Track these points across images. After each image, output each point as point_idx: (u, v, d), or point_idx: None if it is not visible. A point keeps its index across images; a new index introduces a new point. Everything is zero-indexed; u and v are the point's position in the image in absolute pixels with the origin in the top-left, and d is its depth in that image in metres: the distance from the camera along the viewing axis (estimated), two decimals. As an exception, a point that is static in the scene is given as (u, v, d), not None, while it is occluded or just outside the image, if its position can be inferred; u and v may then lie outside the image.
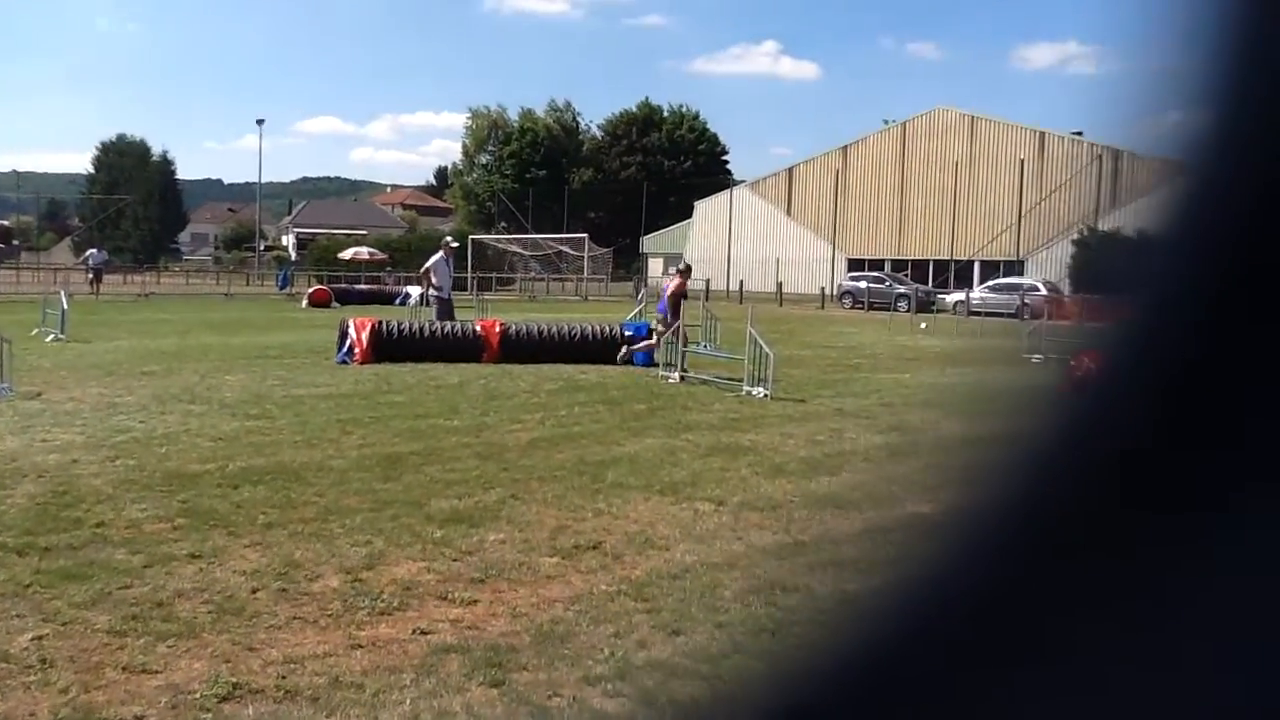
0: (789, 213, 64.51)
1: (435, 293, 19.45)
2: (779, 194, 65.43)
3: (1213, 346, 0.62)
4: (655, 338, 15.87)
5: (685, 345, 15.37)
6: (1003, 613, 0.65)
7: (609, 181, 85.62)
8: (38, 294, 24.65)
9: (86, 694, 4.08)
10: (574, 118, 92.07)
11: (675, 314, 15.40)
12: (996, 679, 0.63)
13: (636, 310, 23.99)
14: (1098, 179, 52.22)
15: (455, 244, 23.29)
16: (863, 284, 49.01)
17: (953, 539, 0.74)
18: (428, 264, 19.62)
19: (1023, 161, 54.38)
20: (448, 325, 17.41)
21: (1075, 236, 47.23)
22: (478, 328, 17.08)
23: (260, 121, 66.37)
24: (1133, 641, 0.60)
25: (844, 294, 50.01)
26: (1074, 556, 0.63)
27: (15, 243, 78.24)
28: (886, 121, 63.14)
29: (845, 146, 63.29)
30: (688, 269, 16.77)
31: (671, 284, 15.90)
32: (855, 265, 57.24)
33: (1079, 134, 55.04)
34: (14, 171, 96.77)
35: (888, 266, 55.46)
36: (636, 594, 5.45)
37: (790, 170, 65.92)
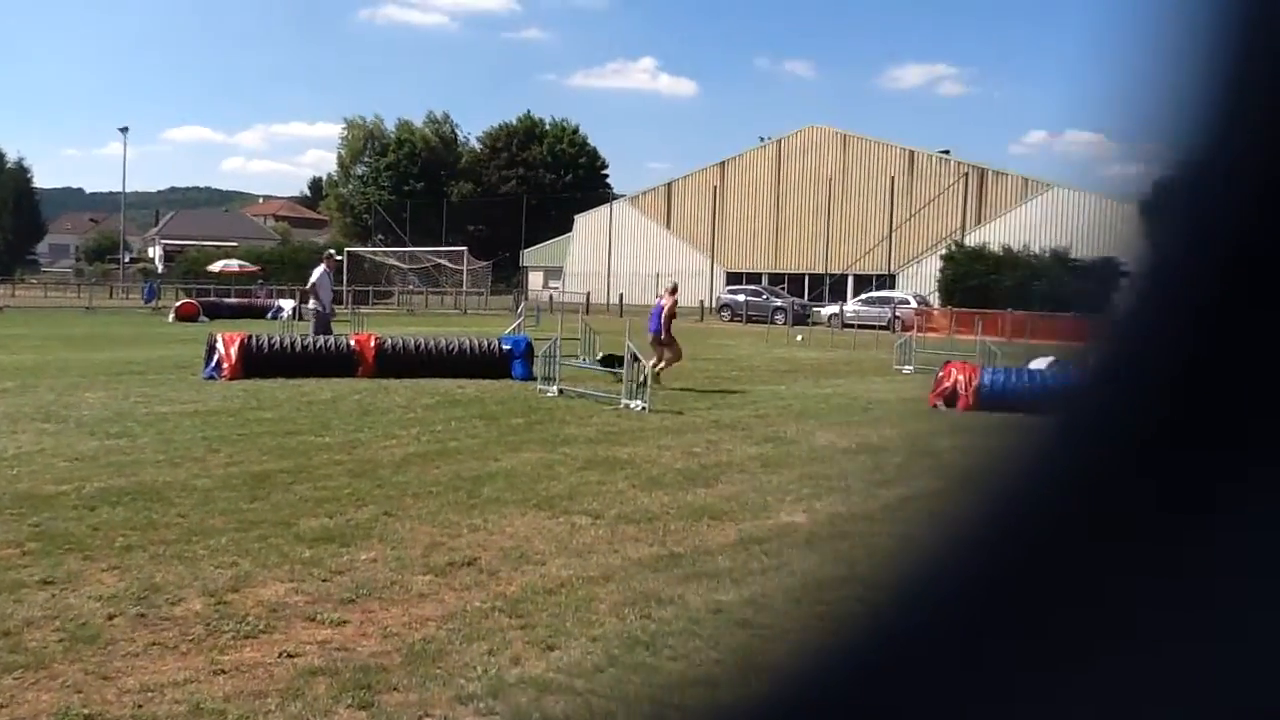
0: (668, 227, 65.07)
1: (317, 306, 19.03)
2: (658, 208, 65.95)
3: (1213, 345, 0.62)
4: (658, 359, 16.39)
5: (664, 363, 16.28)
6: (1000, 613, 0.64)
7: (489, 194, 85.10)
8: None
9: (-77, 731, 3.86)
10: (452, 130, 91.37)
11: (668, 332, 16.33)
12: (993, 679, 0.63)
13: (516, 324, 23.90)
14: (964, 196, 54.11)
15: (339, 257, 22.92)
16: (740, 297, 49.77)
17: (950, 538, 0.73)
18: (314, 278, 19.13)
19: (893, 179, 55.96)
20: (321, 339, 17.05)
21: (944, 251, 48.87)
22: (352, 342, 16.76)
23: (124, 129, 64.18)
24: (1131, 642, 0.60)
25: (722, 307, 50.71)
26: (1072, 557, 0.63)
27: None
28: (762, 138, 64.28)
29: (723, 162, 64.17)
30: (675, 287, 18.00)
31: (665, 303, 16.73)
32: (733, 278, 58.06)
33: (946, 152, 57.02)
34: None
35: (765, 280, 56.37)
36: (511, 610, 5.41)
37: (669, 185, 66.52)
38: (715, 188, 62.80)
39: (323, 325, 18.77)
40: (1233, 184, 0.63)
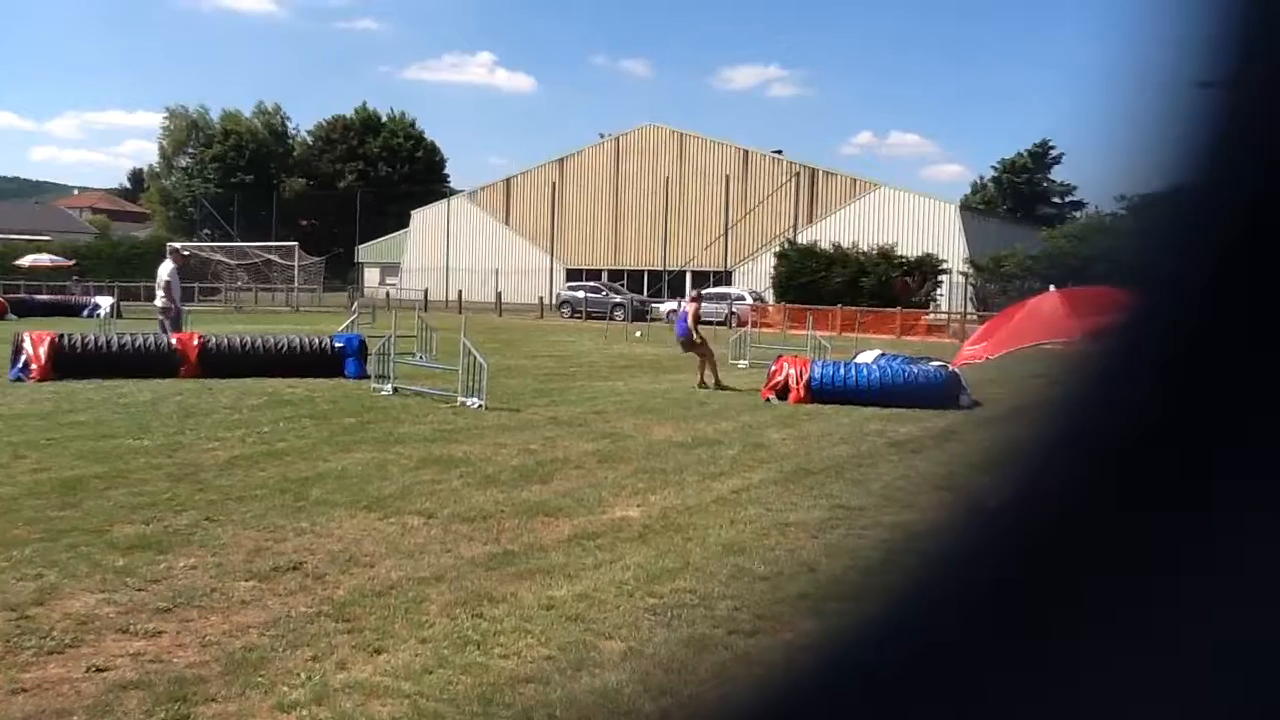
0: (507, 223, 64.72)
1: (167, 303, 18.10)
2: (497, 204, 65.50)
3: (1213, 343, 0.62)
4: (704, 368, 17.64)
5: (708, 369, 17.41)
6: (1001, 613, 0.64)
7: (323, 188, 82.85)
8: None
9: None
10: (283, 121, 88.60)
11: (698, 333, 17.42)
12: (994, 678, 0.62)
13: (350, 321, 23.35)
14: (796, 195, 55.56)
15: (186, 253, 21.99)
16: (580, 294, 49.88)
17: (950, 539, 0.71)
18: (166, 275, 18.10)
19: (728, 177, 57.02)
20: (139, 338, 16.26)
21: (777, 249, 50.08)
22: (173, 340, 16.06)
23: (-81, 114, 59.74)
24: (1130, 642, 0.60)
25: (562, 303, 50.75)
26: (1072, 557, 0.62)
27: None
28: (602, 135, 64.56)
29: (562, 159, 64.18)
30: (699, 295, 20.23)
31: (690, 309, 17.91)
32: (574, 275, 58.20)
33: (779, 152, 58.44)
34: None
35: (605, 277, 56.67)
36: (338, 614, 5.29)
37: (508, 181, 66.14)
38: (554, 184, 62.76)
39: (176, 323, 17.93)
40: (1232, 179, 0.63)
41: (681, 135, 60.32)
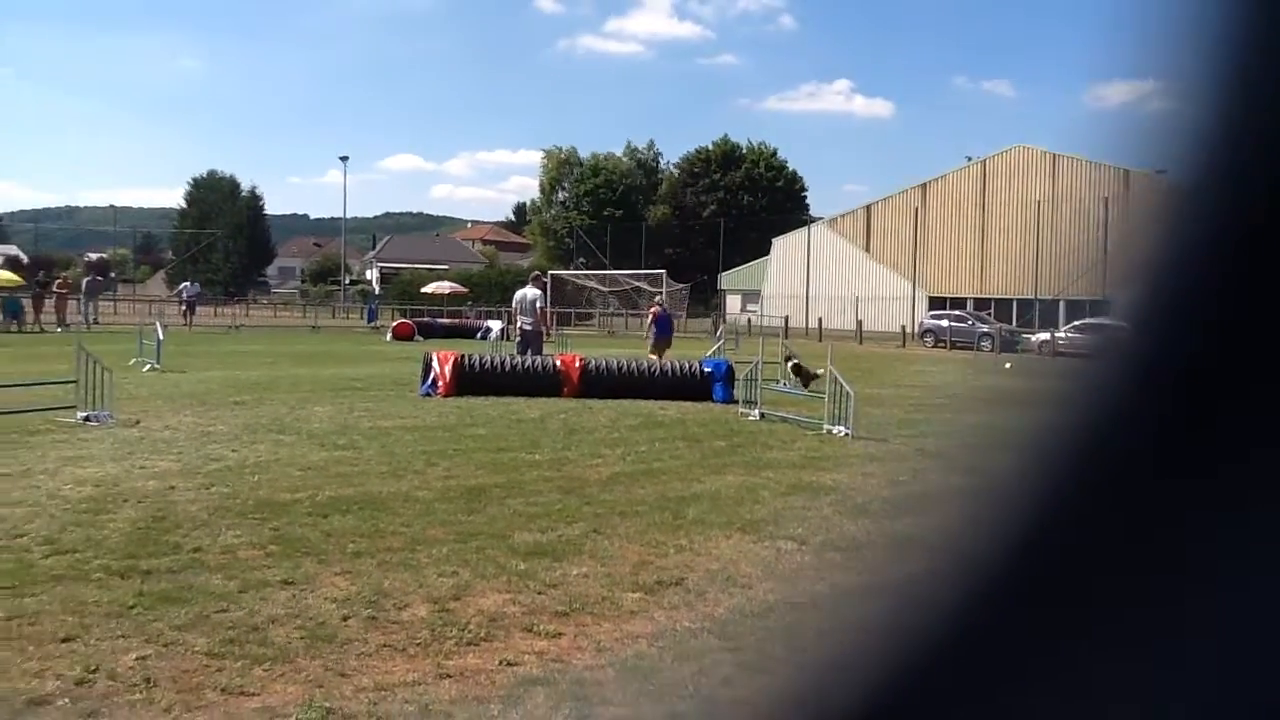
0: (867, 250, 64.09)
1: (540, 327, 19.49)
2: (857, 231, 65.06)
3: (1215, 344, 0.62)
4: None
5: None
6: (1002, 613, 0.65)
7: (687, 218, 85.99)
8: (135, 325, 25.44)
9: (188, 713, 4.21)
10: (655, 157, 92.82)
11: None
12: (997, 679, 0.63)
13: (716, 347, 24.03)
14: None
15: (545, 280, 23.92)
16: (944, 322, 48.40)
17: (952, 544, 0.74)
18: (541, 301, 19.53)
19: (1107, 200, 53.43)
20: (528, 360, 17.56)
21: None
22: (558, 363, 17.25)
23: (344, 158, 68.01)
24: (1130, 643, 0.60)
25: (925, 332, 49.44)
26: (1074, 557, 0.63)
27: (112, 275, 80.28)
28: (969, 159, 62.49)
29: (925, 184, 62.75)
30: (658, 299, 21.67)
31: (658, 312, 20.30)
32: (936, 303, 56.62)
33: (1163, 173, 54.08)
34: (111, 206, 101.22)
35: (970, 305, 54.73)
36: (719, 632, 5.46)
37: (868, 208, 65.53)
38: (916, 210, 61.49)
39: (538, 344, 19.24)
40: (1236, 179, 0.63)
41: (1053, 157, 57.24)
